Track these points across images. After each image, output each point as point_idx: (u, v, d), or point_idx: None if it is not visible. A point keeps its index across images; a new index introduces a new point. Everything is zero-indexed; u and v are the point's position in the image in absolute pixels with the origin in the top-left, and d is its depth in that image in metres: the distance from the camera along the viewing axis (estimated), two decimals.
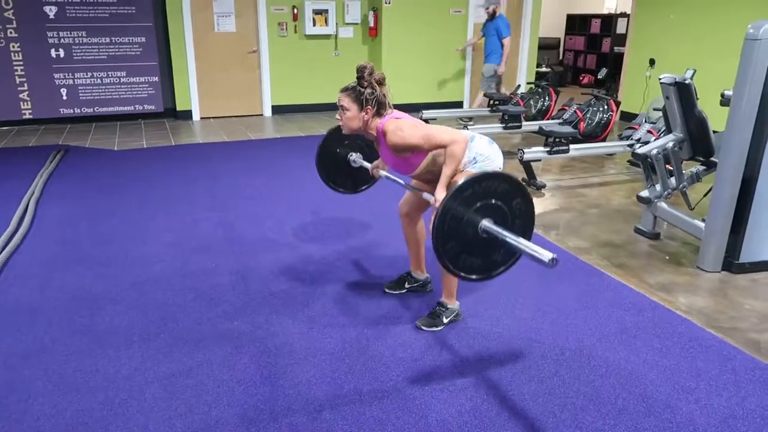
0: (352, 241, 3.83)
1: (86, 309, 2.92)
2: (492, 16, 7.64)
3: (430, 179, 2.58)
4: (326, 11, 8.38)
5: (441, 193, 2.38)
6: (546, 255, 1.91)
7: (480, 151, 2.56)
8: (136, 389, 2.30)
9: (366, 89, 2.48)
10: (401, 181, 2.84)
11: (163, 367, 2.45)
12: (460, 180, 2.11)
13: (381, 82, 2.51)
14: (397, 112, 2.58)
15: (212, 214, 4.36)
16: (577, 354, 2.56)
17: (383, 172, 2.93)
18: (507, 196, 2.13)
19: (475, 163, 2.56)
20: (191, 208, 4.49)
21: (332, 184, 3.25)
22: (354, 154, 3.15)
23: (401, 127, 2.43)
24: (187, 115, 8.22)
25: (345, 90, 2.53)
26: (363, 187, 3.34)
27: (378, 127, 2.53)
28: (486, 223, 2.10)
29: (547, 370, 2.44)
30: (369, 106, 2.49)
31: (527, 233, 2.21)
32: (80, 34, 7.52)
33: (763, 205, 3.28)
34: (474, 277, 2.20)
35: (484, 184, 2.09)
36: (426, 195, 2.55)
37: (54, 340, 2.65)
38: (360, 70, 2.49)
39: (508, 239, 2.04)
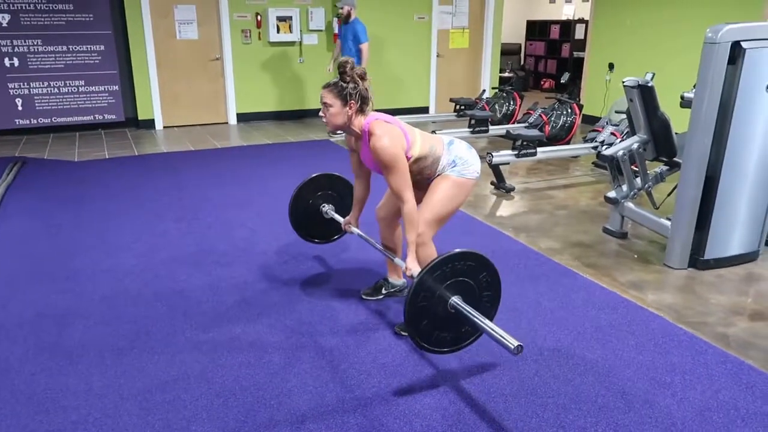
0: (325, 247, 3.79)
1: (53, 325, 2.81)
2: (347, 19, 7.15)
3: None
4: (290, 18, 8.33)
5: (412, 262, 2.47)
6: (512, 341, 1.96)
7: (459, 155, 2.58)
8: (110, 407, 2.22)
9: (349, 84, 2.46)
10: (374, 244, 2.91)
11: (137, 382, 2.37)
12: (428, 257, 2.33)
13: (363, 77, 2.50)
14: (385, 116, 2.57)
15: (181, 224, 4.26)
16: (555, 354, 2.59)
17: (356, 230, 2.98)
18: (473, 272, 2.22)
19: (454, 166, 2.58)
20: (159, 218, 4.38)
21: (306, 235, 3.33)
22: (326, 205, 3.23)
23: (385, 137, 2.42)
24: (150, 124, 8.05)
25: (327, 86, 2.50)
26: (335, 237, 3.41)
27: (363, 126, 2.52)
28: (455, 300, 2.19)
29: (527, 370, 2.46)
30: (353, 101, 2.47)
31: (494, 304, 2.33)
32: (35, 43, 7.29)
33: (725, 203, 3.39)
34: (445, 350, 2.29)
35: (450, 265, 2.16)
36: (397, 260, 2.68)
37: (20, 358, 2.54)
38: (342, 66, 2.48)
39: (475, 319, 2.13)
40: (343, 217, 3.12)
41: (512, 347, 1.94)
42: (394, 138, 2.44)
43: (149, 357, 2.55)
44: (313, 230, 3.32)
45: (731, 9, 6.40)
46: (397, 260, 2.66)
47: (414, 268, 2.44)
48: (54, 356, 2.56)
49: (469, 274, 2.21)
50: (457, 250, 2.17)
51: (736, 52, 3.14)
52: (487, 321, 2.11)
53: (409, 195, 2.46)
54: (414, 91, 9.21)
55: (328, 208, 3.21)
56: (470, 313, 2.14)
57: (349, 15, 7.13)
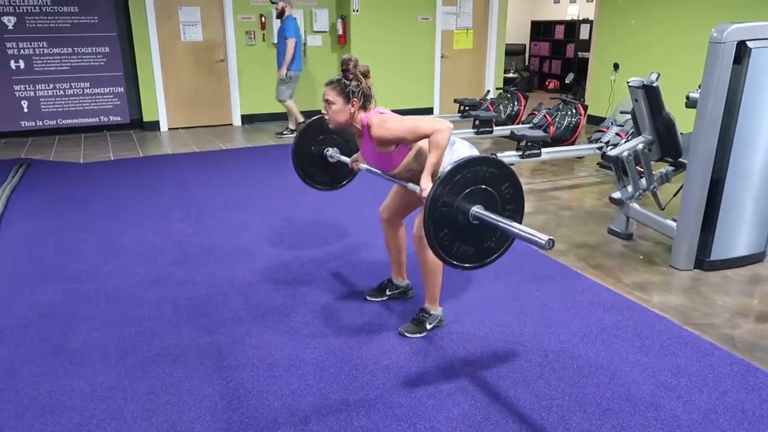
0: (330, 248, 3.80)
1: (58, 327, 2.82)
2: (281, 15, 7.17)
3: (410, 178, 2.56)
4: (295, 19, 8.33)
5: (426, 183, 2.34)
6: (542, 236, 1.88)
7: (462, 155, 2.57)
8: (114, 408, 2.22)
9: (351, 82, 2.46)
10: (382, 174, 2.75)
11: (142, 384, 2.37)
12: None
13: (366, 75, 2.50)
14: (380, 108, 2.56)
15: (186, 225, 4.27)
16: (560, 355, 2.58)
17: (363, 165, 2.84)
18: (495, 181, 2.11)
19: None
20: (164, 220, 4.39)
21: (310, 181, 3.15)
22: (331, 149, 3.08)
23: (386, 120, 2.42)
24: (155, 126, 8.07)
25: (330, 83, 2.50)
26: (342, 183, 3.25)
27: (363, 121, 2.51)
28: (477, 210, 2.08)
29: (532, 372, 2.45)
30: (355, 99, 2.46)
31: (518, 217, 2.20)
32: (41, 45, 7.32)
33: (731, 204, 3.37)
34: (468, 265, 2.17)
35: (472, 169, 2.06)
36: (411, 185, 2.50)
37: (24, 360, 2.54)
38: (345, 63, 2.47)
39: (501, 224, 2.02)
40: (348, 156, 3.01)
41: (543, 242, 1.86)
42: (392, 119, 2.43)
43: (153, 358, 2.55)
44: (320, 177, 3.16)
45: (736, 8, 6.37)
46: (411, 185, 2.49)
47: (428, 188, 2.27)
48: (58, 358, 2.56)
49: (492, 183, 2.09)
50: (473, 153, 2.07)
51: (742, 52, 3.12)
52: (514, 224, 1.99)
53: (425, 125, 2.33)
54: (418, 91, 9.20)
55: (332, 152, 3.07)
56: (495, 219, 2.03)
57: (283, 11, 7.11)
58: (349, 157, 3.01)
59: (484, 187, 2.09)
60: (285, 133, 7.61)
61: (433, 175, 2.34)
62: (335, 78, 2.50)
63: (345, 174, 3.20)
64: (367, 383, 2.38)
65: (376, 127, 2.42)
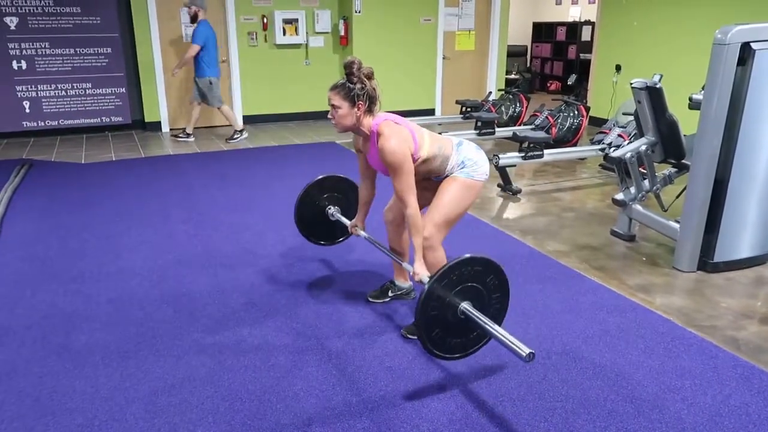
0: (332, 249, 3.78)
1: (60, 327, 2.81)
2: (193, 20, 6.90)
3: (417, 181, 2.56)
4: (296, 21, 8.33)
5: (419, 268, 2.46)
6: (524, 349, 1.94)
7: (468, 156, 2.56)
8: (116, 409, 2.22)
9: (356, 85, 2.44)
10: (381, 247, 2.90)
11: (144, 385, 2.37)
12: (438, 265, 2.30)
13: (370, 77, 2.48)
14: (395, 116, 2.55)
15: (188, 226, 4.26)
16: (563, 357, 2.57)
17: (363, 233, 2.95)
18: (481, 276, 2.20)
19: (463, 167, 2.56)
20: (166, 220, 4.38)
21: (311, 237, 3.30)
22: (332, 207, 3.21)
23: (393, 139, 2.41)
24: (156, 126, 8.07)
25: (335, 88, 2.48)
26: (341, 239, 3.38)
27: (372, 127, 2.50)
28: (464, 306, 2.17)
29: (535, 374, 2.44)
30: (360, 102, 2.45)
31: (504, 306, 2.31)
32: (43, 45, 7.32)
33: (735, 205, 3.36)
34: (456, 355, 2.27)
35: (457, 271, 2.15)
36: (405, 265, 2.65)
37: (27, 360, 2.54)
38: (348, 66, 2.45)
39: (486, 327, 2.11)
40: (349, 218, 3.10)
41: (524, 354, 1.92)
42: (402, 140, 2.42)
43: (155, 359, 2.55)
44: (318, 232, 3.30)
45: (740, 10, 6.36)
46: (405, 265, 2.65)
47: (422, 273, 2.42)
48: (60, 358, 2.55)
49: (477, 279, 2.19)
50: (464, 255, 2.15)
51: (746, 53, 3.11)
52: (497, 327, 2.10)
53: (412, 200, 2.44)
54: (420, 93, 9.19)
55: (333, 210, 3.19)
56: (480, 319, 2.13)
57: (195, 16, 6.90)
58: (349, 215, 3.13)
59: (470, 284, 2.19)
60: (236, 137, 7.34)
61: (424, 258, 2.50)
62: (339, 82, 2.48)
63: (343, 231, 3.29)
64: (370, 385, 2.37)
65: (384, 140, 2.42)
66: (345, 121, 2.49)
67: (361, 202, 2.90)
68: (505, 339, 2.02)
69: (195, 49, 6.82)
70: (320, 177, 3.19)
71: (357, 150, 2.75)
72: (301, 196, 3.16)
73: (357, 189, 2.99)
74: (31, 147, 7.04)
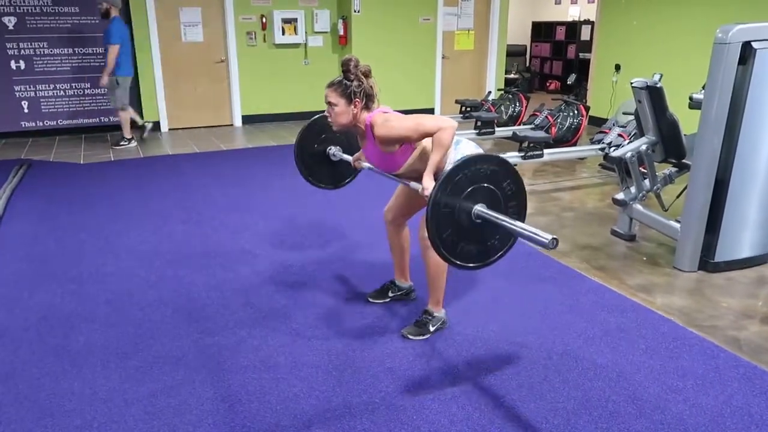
0: (331, 249, 3.78)
1: (58, 328, 2.80)
2: (105, 16, 6.54)
3: (415, 178, 2.54)
4: (295, 20, 8.32)
5: (429, 181, 2.32)
6: (546, 235, 1.86)
7: (466, 154, 2.54)
8: (115, 411, 2.20)
9: (353, 82, 2.42)
10: (383, 173, 2.73)
11: (142, 386, 2.35)
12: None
13: (367, 74, 2.46)
14: (384, 107, 2.53)
15: (186, 226, 4.25)
16: (564, 357, 2.56)
17: (366, 164, 2.82)
18: (497, 179, 2.09)
19: None
20: (164, 220, 4.37)
21: (312, 180, 3.14)
22: (333, 147, 3.06)
23: (389, 119, 2.39)
24: (155, 126, 8.04)
25: (331, 85, 2.46)
26: (345, 182, 3.23)
27: (366, 121, 2.48)
28: (479, 209, 2.06)
29: (536, 375, 2.43)
30: (357, 99, 2.43)
31: (521, 214, 2.18)
32: (41, 45, 7.30)
33: (736, 205, 3.35)
34: (471, 265, 2.15)
35: (473, 167, 2.04)
36: (413, 184, 2.47)
37: (24, 362, 2.52)
38: (345, 63, 2.43)
39: (504, 223, 2.01)
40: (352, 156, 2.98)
41: (547, 241, 1.85)
42: (396, 118, 2.40)
43: (154, 361, 2.53)
44: (322, 175, 3.15)
45: (740, 9, 6.35)
46: (413, 184, 2.47)
47: (431, 186, 2.28)
48: (59, 360, 2.54)
49: (493, 181, 2.07)
50: (479, 152, 2.06)
51: (747, 53, 3.10)
52: (517, 223, 1.97)
53: (430, 125, 2.31)
54: (419, 92, 9.18)
55: (335, 150, 3.05)
56: (498, 218, 2.01)
57: (108, 12, 6.53)
58: (352, 155, 2.99)
59: (486, 185, 2.07)
60: (123, 143, 6.99)
61: (436, 174, 2.32)
62: (336, 79, 2.47)
63: (347, 173, 3.18)
64: (370, 386, 2.36)
65: (380, 126, 2.40)
66: (341, 119, 2.47)
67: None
68: (526, 231, 1.92)
69: (115, 49, 6.50)
70: (315, 118, 3.01)
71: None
72: (299, 138, 3.01)
73: None
74: (30, 147, 7.02)
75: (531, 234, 1.91)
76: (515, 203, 2.16)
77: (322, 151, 3.07)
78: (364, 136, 2.57)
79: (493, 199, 2.10)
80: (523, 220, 2.16)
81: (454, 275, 3.05)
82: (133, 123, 7.12)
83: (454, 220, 2.06)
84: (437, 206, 2.02)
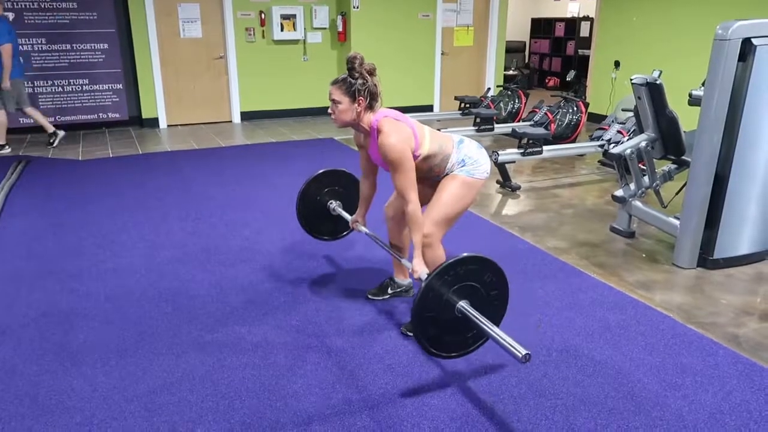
0: (331, 246, 3.77)
1: (58, 326, 2.80)
2: None
3: (418, 178, 2.54)
4: (294, 16, 8.30)
5: (418, 265, 2.43)
6: (520, 350, 1.91)
7: (468, 154, 2.55)
8: (115, 408, 2.20)
9: (357, 80, 2.42)
10: (381, 243, 2.87)
11: (142, 383, 2.35)
12: (439, 263, 2.19)
13: (372, 73, 2.46)
14: (395, 112, 2.53)
15: (186, 223, 4.25)
16: (563, 354, 2.56)
17: (363, 229, 2.94)
18: (477, 274, 2.17)
19: (463, 165, 2.55)
20: (164, 218, 4.36)
21: (313, 232, 3.28)
22: (334, 202, 3.19)
23: (393, 136, 2.38)
24: (154, 122, 8.04)
25: (336, 82, 2.46)
26: (343, 234, 3.36)
27: (372, 123, 2.48)
28: (462, 305, 2.15)
29: (536, 371, 2.43)
30: (361, 97, 2.43)
31: (503, 302, 2.28)
32: (39, 41, 7.28)
33: (735, 202, 3.35)
34: (453, 354, 2.25)
35: (452, 272, 2.12)
36: (404, 262, 2.61)
37: (24, 359, 2.52)
38: (350, 61, 2.42)
39: (482, 326, 2.09)
40: (351, 213, 3.09)
41: (520, 356, 1.89)
42: (403, 137, 2.41)
43: (154, 358, 2.53)
44: (320, 227, 3.27)
45: (740, 6, 6.34)
46: (404, 261, 2.63)
47: (420, 270, 2.41)
48: (58, 357, 2.54)
49: (473, 277, 2.16)
50: (461, 255, 2.13)
51: (747, 49, 3.10)
52: (494, 328, 2.07)
53: (413, 196, 2.42)
54: (418, 89, 9.17)
55: (335, 205, 3.17)
56: (478, 319, 2.10)
57: None
58: (351, 209, 3.11)
59: (468, 283, 2.16)
60: (53, 142, 6.80)
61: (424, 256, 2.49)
62: (341, 77, 2.46)
63: (345, 226, 3.28)
64: (370, 383, 2.36)
65: (383, 137, 2.40)
66: (345, 117, 2.47)
67: (362, 197, 2.89)
68: (501, 339, 1.99)
69: (8, 48, 6.10)
70: (320, 171, 3.16)
71: (358, 146, 2.74)
72: (302, 191, 3.14)
73: (358, 183, 2.98)
74: (28, 143, 7.01)
75: (506, 345, 1.97)
76: (497, 292, 2.24)
77: (323, 204, 3.20)
78: (368, 136, 2.57)
79: (475, 292, 2.19)
80: (505, 305, 2.29)
81: None
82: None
83: (439, 316, 2.15)
84: (422, 308, 2.10)
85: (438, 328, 2.15)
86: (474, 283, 2.17)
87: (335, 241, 3.42)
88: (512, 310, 2.93)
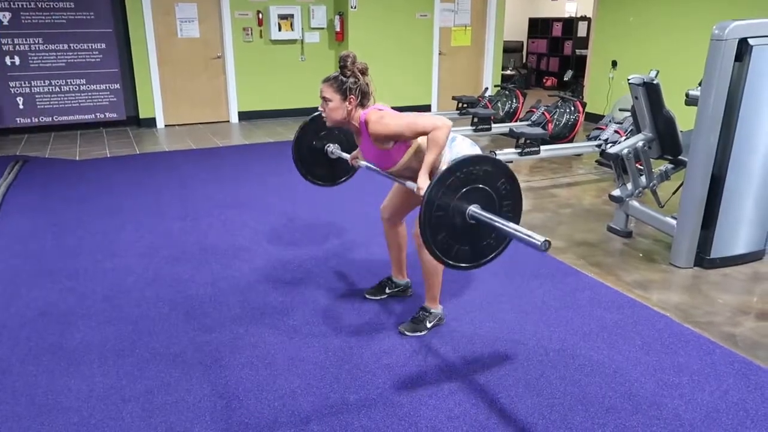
0: (328, 246, 3.77)
1: (55, 325, 2.79)
2: None
3: (410, 176, 2.53)
4: (292, 16, 8.30)
5: (423, 181, 2.30)
6: (538, 238, 1.85)
7: (462, 152, 2.54)
8: (112, 408, 2.20)
9: (349, 79, 2.42)
10: (381, 171, 2.73)
11: (139, 383, 2.35)
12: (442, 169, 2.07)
13: (364, 72, 2.46)
14: (380, 104, 2.53)
15: (183, 223, 4.24)
16: (561, 354, 2.57)
17: (363, 162, 2.82)
18: (491, 179, 2.08)
19: None
20: (161, 217, 4.36)
21: (310, 177, 3.14)
22: (331, 145, 3.06)
23: (384, 116, 2.39)
24: (151, 122, 8.03)
25: (327, 80, 2.45)
26: (342, 179, 3.23)
27: (360, 118, 2.48)
28: (473, 209, 2.06)
29: (533, 371, 2.44)
30: (352, 96, 2.42)
31: (516, 214, 2.18)
32: (36, 41, 7.27)
33: (732, 201, 3.36)
34: (465, 265, 2.15)
35: (465, 169, 2.03)
36: (409, 183, 2.47)
37: (22, 359, 2.52)
38: (342, 59, 2.42)
39: (497, 224, 2.00)
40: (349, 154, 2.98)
41: (539, 243, 1.83)
42: (390, 115, 2.39)
43: (151, 357, 2.53)
44: (319, 172, 3.15)
45: (737, 6, 6.36)
46: (409, 183, 2.47)
47: (425, 186, 2.25)
48: (55, 357, 2.54)
49: (487, 181, 2.06)
50: (471, 153, 2.06)
51: (743, 49, 3.11)
52: (510, 224, 1.96)
53: (426, 124, 2.30)
54: (416, 88, 9.17)
55: (333, 147, 3.06)
56: (491, 219, 2.00)
57: None
58: (350, 153, 2.99)
59: (480, 185, 2.06)
60: None
61: (431, 173, 2.32)
62: (332, 75, 2.46)
63: (344, 170, 3.18)
64: (367, 382, 2.36)
65: (374, 123, 2.39)
66: (335, 114, 2.47)
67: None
68: (519, 233, 1.91)
69: None
70: (314, 115, 3.01)
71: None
72: (297, 134, 3.02)
73: None
74: (25, 143, 6.99)
75: (523, 236, 1.90)
76: (510, 202, 2.15)
77: (320, 148, 3.07)
78: (359, 133, 2.56)
79: (487, 199, 2.09)
80: (518, 218, 2.17)
81: (451, 272, 3.05)
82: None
83: (448, 222, 2.05)
84: (430, 209, 2.01)
85: (449, 236, 2.05)
86: (485, 186, 2.06)
87: (335, 241, 3.42)
88: (511, 310, 2.95)
